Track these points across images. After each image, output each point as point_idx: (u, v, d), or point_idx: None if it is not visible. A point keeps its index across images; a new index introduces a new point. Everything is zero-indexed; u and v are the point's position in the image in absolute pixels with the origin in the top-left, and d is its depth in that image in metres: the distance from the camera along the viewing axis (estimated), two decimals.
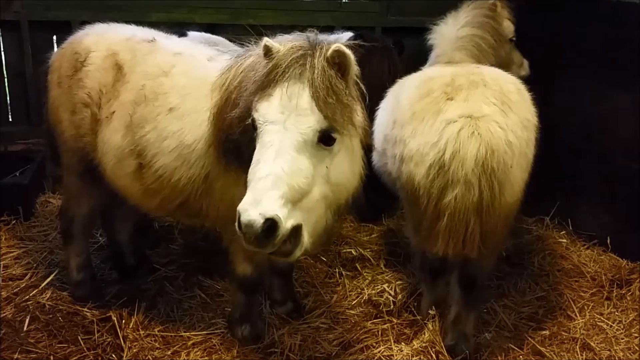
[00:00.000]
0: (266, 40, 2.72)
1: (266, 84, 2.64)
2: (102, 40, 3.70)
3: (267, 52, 2.71)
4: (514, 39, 4.61)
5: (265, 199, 2.42)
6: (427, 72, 3.88)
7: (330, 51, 2.61)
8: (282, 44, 2.71)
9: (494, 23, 4.34)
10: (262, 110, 2.62)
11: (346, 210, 3.19)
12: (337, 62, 2.63)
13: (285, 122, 2.55)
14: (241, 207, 2.44)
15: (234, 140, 2.98)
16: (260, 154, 2.55)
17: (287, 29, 5.28)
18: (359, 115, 2.73)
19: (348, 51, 2.62)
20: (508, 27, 4.56)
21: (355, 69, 2.69)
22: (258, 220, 2.38)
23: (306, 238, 2.58)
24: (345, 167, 2.73)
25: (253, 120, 2.65)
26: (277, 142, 2.53)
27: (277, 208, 2.42)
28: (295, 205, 2.50)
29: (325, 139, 2.60)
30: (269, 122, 2.58)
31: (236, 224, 2.47)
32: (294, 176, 2.49)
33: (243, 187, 3.13)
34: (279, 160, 2.49)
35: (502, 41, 4.36)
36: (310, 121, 2.55)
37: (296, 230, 2.52)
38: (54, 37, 5.49)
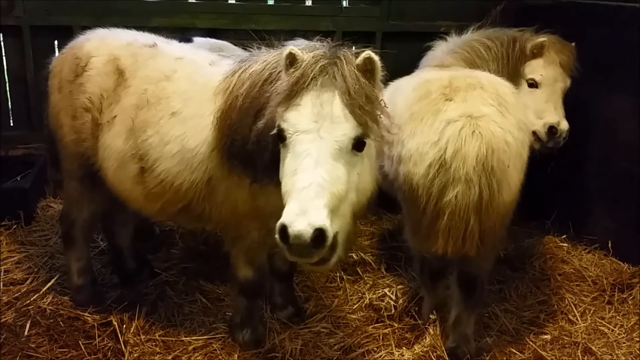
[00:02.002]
0: (291, 49, 2.70)
1: (294, 93, 2.61)
2: (103, 45, 3.70)
3: (293, 60, 2.70)
4: (534, 82, 4.40)
5: (311, 208, 2.39)
6: (422, 75, 3.93)
7: (361, 59, 2.64)
8: (303, 52, 2.71)
9: (512, 42, 4.33)
10: (292, 120, 2.59)
11: (363, 214, 3.19)
12: (369, 68, 2.65)
13: (319, 131, 2.54)
14: (287, 219, 2.40)
15: (245, 148, 2.98)
16: (296, 164, 2.53)
17: (288, 33, 5.32)
18: (383, 117, 2.74)
19: (377, 58, 2.65)
20: (531, 66, 4.39)
21: (380, 73, 2.72)
22: (307, 230, 2.35)
23: (341, 245, 2.58)
24: (367, 171, 2.75)
25: (281, 131, 2.63)
26: (313, 151, 2.52)
27: (324, 217, 2.40)
28: (334, 213, 2.49)
29: (357, 145, 2.61)
30: (301, 131, 2.56)
31: (277, 236, 2.44)
32: (334, 184, 2.49)
33: (246, 191, 3.16)
34: (318, 169, 2.48)
35: (515, 71, 4.29)
36: (345, 128, 2.56)
37: (335, 239, 2.50)
38: (55, 42, 5.49)
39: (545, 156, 4.52)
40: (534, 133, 4.39)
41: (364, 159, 2.69)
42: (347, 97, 2.56)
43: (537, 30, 4.51)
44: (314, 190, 2.43)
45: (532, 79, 4.40)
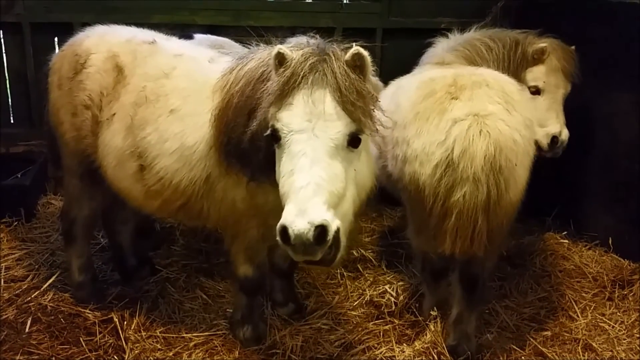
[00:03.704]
0: (279, 48, 2.69)
1: (285, 92, 2.61)
2: (102, 42, 3.70)
3: (282, 60, 2.68)
4: (537, 89, 4.31)
5: (310, 207, 2.39)
6: (426, 74, 3.89)
7: (350, 55, 2.63)
8: (292, 50, 2.70)
9: (514, 44, 4.27)
10: (286, 120, 2.59)
11: (363, 210, 3.18)
12: (358, 64, 2.65)
13: (313, 130, 2.54)
14: (286, 220, 2.40)
15: (240, 147, 2.98)
16: (293, 164, 2.53)
17: (288, 30, 5.30)
18: (376, 112, 2.74)
19: (365, 53, 2.65)
20: (533, 73, 4.30)
21: (371, 68, 2.71)
22: (308, 229, 2.35)
23: (343, 242, 2.55)
24: (365, 166, 2.74)
25: (275, 131, 2.63)
26: (309, 150, 2.51)
27: (323, 213, 2.40)
28: (335, 210, 2.48)
29: (353, 141, 2.61)
30: (296, 131, 2.56)
31: (278, 237, 2.43)
32: (332, 182, 2.49)
33: (244, 189, 3.16)
34: (315, 168, 2.48)
35: (516, 75, 4.16)
36: (339, 126, 2.56)
37: (337, 235, 2.48)
38: (55, 39, 5.49)
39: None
40: (535, 142, 4.34)
41: (360, 155, 2.69)
42: (338, 94, 2.56)
43: (540, 33, 4.44)
44: (311, 190, 2.43)
45: (535, 86, 4.33)
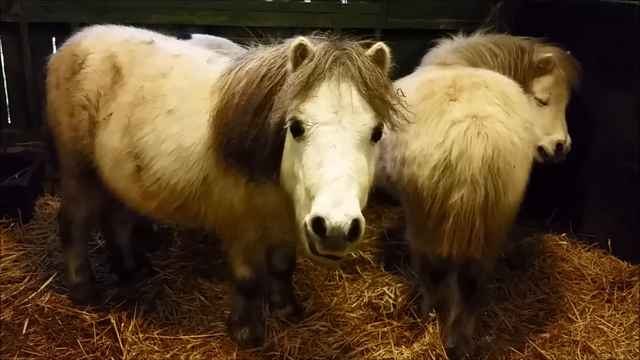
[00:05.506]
0: (301, 39, 2.68)
1: (310, 84, 2.59)
2: (100, 42, 3.68)
3: (304, 52, 2.67)
4: (542, 100, 4.35)
5: (345, 200, 2.36)
6: (426, 75, 3.89)
7: (373, 50, 2.66)
8: (313, 44, 2.70)
9: (520, 52, 4.27)
10: (311, 112, 2.57)
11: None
12: (380, 60, 2.67)
13: (341, 122, 2.53)
14: (322, 211, 2.34)
15: (242, 146, 2.96)
16: (321, 155, 2.50)
17: (287, 30, 5.28)
18: (400, 106, 2.73)
19: (387, 49, 2.69)
20: (541, 83, 4.33)
21: (389, 65, 2.74)
22: (345, 222, 2.31)
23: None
24: (375, 162, 2.74)
25: (298, 123, 2.59)
26: (338, 142, 2.50)
27: (358, 208, 2.38)
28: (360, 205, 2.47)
29: (376, 135, 2.62)
30: (322, 123, 2.54)
31: (311, 229, 2.37)
32: (361, 175, 2.50)
33: (242, 190, 3.14)
34: (345, 160, 2.46)
35: (523, 84, 4.08)
36: (366, 119, 2.57)
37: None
38: (53, 39, 5.48)
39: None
40: (541, 148, 4.39)
41: (375, 150, 2.70)
42: (364, 88, 2.56)
43: (545, 41, 4.43)
44: (345, 182, 2.40)
45: (542, 97, 4.36)
